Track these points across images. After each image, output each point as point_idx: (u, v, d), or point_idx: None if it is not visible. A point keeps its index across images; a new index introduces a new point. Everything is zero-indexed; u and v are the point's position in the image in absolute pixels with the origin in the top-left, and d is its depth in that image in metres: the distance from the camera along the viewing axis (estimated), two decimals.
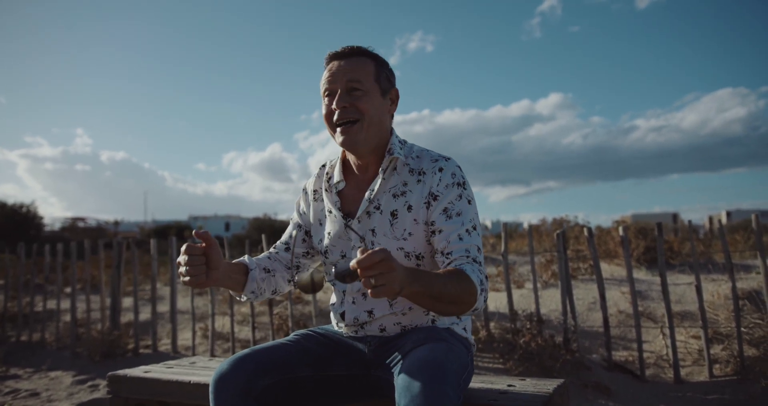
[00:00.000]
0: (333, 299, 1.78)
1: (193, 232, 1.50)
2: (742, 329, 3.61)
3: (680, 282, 5.07)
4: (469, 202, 1.58)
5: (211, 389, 1.47)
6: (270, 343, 1.62)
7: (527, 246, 6.30)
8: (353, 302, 1.67)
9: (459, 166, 1.62)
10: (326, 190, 1.75)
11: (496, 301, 4.99)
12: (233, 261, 1.69)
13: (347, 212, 1.69)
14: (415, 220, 1.59)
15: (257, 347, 1.57)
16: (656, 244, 3.75)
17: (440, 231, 1.55)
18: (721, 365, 3.61)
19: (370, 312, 1.64)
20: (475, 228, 1.56)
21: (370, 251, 1.20)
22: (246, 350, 1.54)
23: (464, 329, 1.69)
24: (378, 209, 1.63)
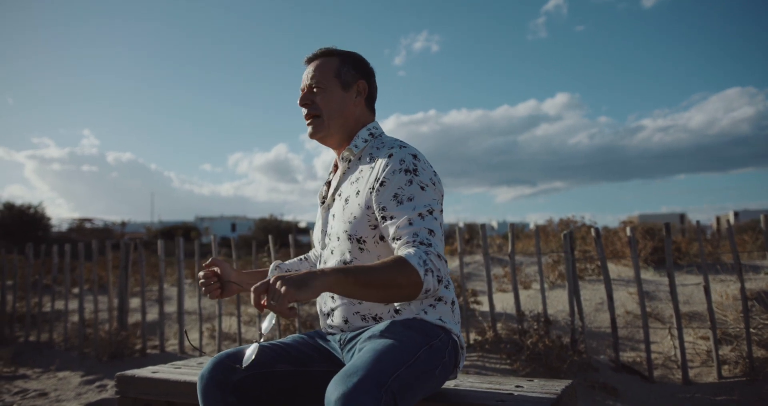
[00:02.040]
0: None
1: (204, 265, 1.80)
2: (751, 329, 3.59)
3: (688, 283, 5.05)
4: (423, 188, 1.54)
5: (197, 385, 1.62)
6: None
7: (534, 247, 6.29)
8: None
9: (414, 155, 1.60)
10: (324, 185, 1.90)
11: (503, 301, 4.99)
12: (260, 269, 1.93)
13: (322, 201, 1.85)
14: (359, 204, 1.62)
15: (241, 346, 1.68)
16: (664, 244, 3.74)
17: (391, 217, 1.53)
18: (729, 366, 3.59)
19: (332, 296, 1.71)
20: (431, 213, 1.51)
21: (252, 289, 1.33)
22: (229, 349, 1.66)
23: (440, 318, 1.63)
24: (340, 195, 1.73)
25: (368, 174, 1.64)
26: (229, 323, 5.52)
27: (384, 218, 1.54)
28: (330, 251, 1.73)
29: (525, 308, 4.42)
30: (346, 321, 1.68)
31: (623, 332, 4.22)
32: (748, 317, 3.52)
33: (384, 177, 1.57)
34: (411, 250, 1.43)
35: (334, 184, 1.78)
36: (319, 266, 1.80)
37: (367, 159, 1.70)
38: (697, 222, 4.04)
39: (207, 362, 1.67)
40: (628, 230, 3.89)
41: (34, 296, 6.52)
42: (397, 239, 1.50)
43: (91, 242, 5.58)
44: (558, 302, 4.87)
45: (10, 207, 23.97)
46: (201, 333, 4.89)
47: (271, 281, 1.31)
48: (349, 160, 1.75)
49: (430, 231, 1.48)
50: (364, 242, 1.62)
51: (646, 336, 3.63)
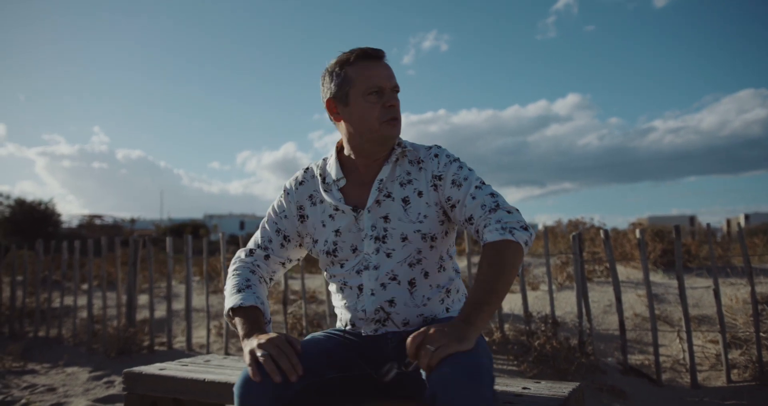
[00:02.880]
0: (341, 299, 1.75)
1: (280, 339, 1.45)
2: (761, 333, 3.56)
3: (697, 286, 5.01)
4: (470, 169, 1.70)
5: (237, 393, 1.39)
6: None
7: (542, 248, 6.26)
8: (372, 294, 1.66)
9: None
10: (325, 190, 1.74)
11: (511, 302, 4.97)
12: (247, 304, 1.61)
13: (353, 206, 1.70)
14: (427, 204, 1.67)
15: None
16: (673, 247, 3.71)
17: (458, 201, 1.64)
18: (739, 370, 3.56)
19: (390, 302, 1.65)
20: (483, 183, 1.66)
21: (408, 339, 1.33)
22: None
23: None
24: (389, 196, 1.68)
25: (420, 174, 1.70)
26: None
27: (453, 206, 1.66)
28: (385, 254, 1.65)
29: (533, 309, 4.40)
30: (406, 323, 1.66)
31: (631, 334, 4.20)
32: (758, 321, 3.49)
33: (440, 172, 1.68)
34: (488, 230, 1.54)
35: (375, 186, 1.68)
36: (366, 277, 1.67)
37: (407, 161, 1.73)
38: (707, 225, 4.01)
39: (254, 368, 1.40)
40: (637, 232, 3.87)
41: (44, 292, 6.57)
42: (470, 219, 1.61)
43: (101, 238, 5.60)
44: (566, 304, 4.84)
45: (21, 203, 24.13)
46: (208, 331, 4.90)
47: (431, 332, 1.33)
48: (393, 163, 1.72)
49: (491, 194, 1.62)
50: (435, 239, 1.68)
51: (654, 339, 3.61)
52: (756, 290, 3.62)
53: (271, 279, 1.81)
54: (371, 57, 1.67)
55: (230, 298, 1.65)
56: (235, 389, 1.40)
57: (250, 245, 1.82)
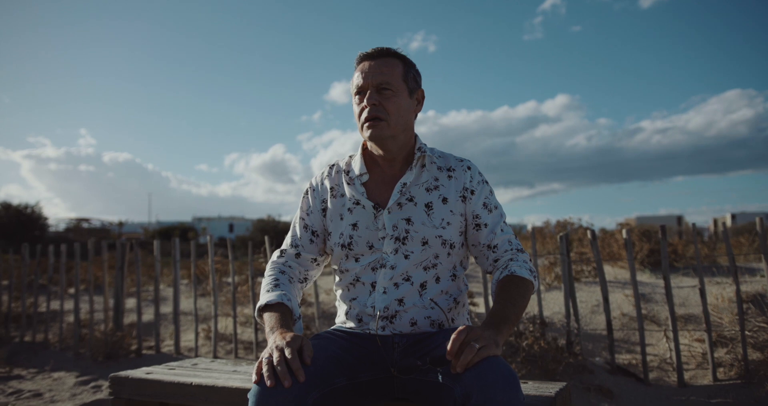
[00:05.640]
0: (350, 294, 1.74)
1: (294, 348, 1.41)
2: (747, 332, 3.59)
3: (684, 285, 5.05)
4: (495, 196, 1.80)
5: (253, 403, 1.33)
6: None
7: (530, 249, 6.30)
8: (384, 292, 1.67)
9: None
10: (348, 183, 1.77)
11: None
12: (276, 300, 1.61)
13: (375, 203, 1.72)
14: (451, 211, 1.70)
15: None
16: (660, 247, 3.73)
17: (485, 225, 1.73)
18: (725, 369, 3.60)
19: (400, 301, 1.66)
20: (505, 220, 1.78)
21: (454, 334, 1.35)
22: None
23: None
24: (411, 200, 1.70)
25: (450, 182, 1.73)
26: (225, 324, 5.51)
27: (478, 226, 1.73)
28: (403, 255, 1.67)
29: None
30: (413, 324, 1.66)
31: (619, 334, 4.22)
32: (743, 320, 3.53)
33: (473, 187, 1.74)
34: (516, 264, 1.66)
35: (397, 189, 1.69)
36: (381, 275, 1.67)
37: (435, 168, 1.76)
38: (693, 224, 4.04)
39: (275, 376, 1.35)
40: (624, 232, 3.89)
41: (30, 296, 6.50)
42: (495, 247, 1.72)
43: (87, 242, 5.56)
44: (554, 304, 4.87)
45: (6, 207, 23.95)
46: (197, 334, 4.88)
47: (475, 331, 1.37)
48: (421, 167, 1.74)
49: (514, 236, 1.75)
50: (453, 246, 1.71)
51: (641, 338, 3.64)
52: (741, 289, 3.66)
53: (306, 279, 1.82)
54: (362, 59, 1.73)
55: (260, 300, 1.64)
56: (250, 400, 1.34)
57: (283, 246, 1.85)
